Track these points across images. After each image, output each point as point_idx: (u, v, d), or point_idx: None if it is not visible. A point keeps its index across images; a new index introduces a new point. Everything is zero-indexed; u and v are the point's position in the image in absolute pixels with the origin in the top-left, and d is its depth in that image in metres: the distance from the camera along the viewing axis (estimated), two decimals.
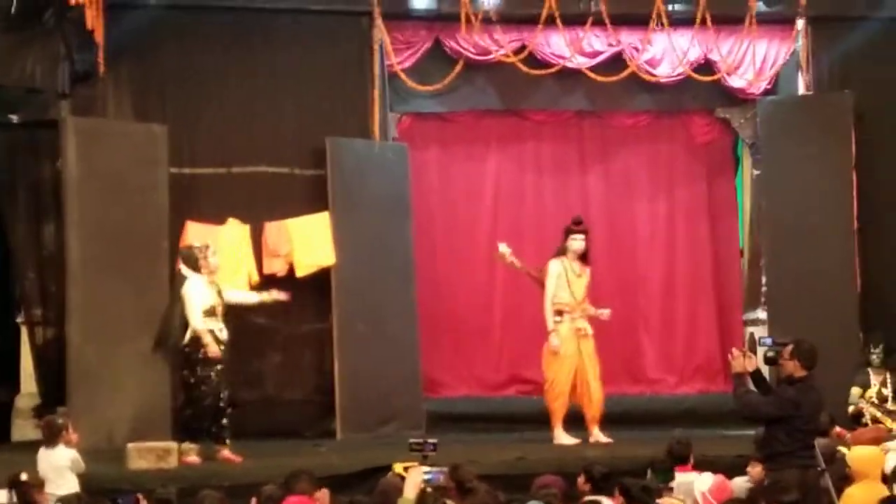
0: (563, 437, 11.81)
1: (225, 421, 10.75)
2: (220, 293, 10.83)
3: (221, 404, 10.70)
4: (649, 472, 8.71)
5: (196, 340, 10.58)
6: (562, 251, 11.96)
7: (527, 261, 12.31)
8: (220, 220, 12.53)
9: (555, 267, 11.88)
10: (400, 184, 13.25)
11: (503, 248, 12.15)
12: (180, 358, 10.77)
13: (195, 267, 10.76)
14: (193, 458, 10.53)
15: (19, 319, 12.74)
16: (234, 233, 12.53)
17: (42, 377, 12.38)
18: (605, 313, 11.97)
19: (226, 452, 10.74)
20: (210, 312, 10.65)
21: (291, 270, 12.56)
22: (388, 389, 12.68)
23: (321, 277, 12.65)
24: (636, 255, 14.60)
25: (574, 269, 11.90)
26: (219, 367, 10.62)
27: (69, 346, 11.62)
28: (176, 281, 10.91)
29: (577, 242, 11.93)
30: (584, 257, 12.01)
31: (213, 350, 10.53)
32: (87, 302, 11.66)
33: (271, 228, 12.64)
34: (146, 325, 11.58)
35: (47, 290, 12.35)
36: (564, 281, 11.84)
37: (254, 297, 11.36)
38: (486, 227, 14.52)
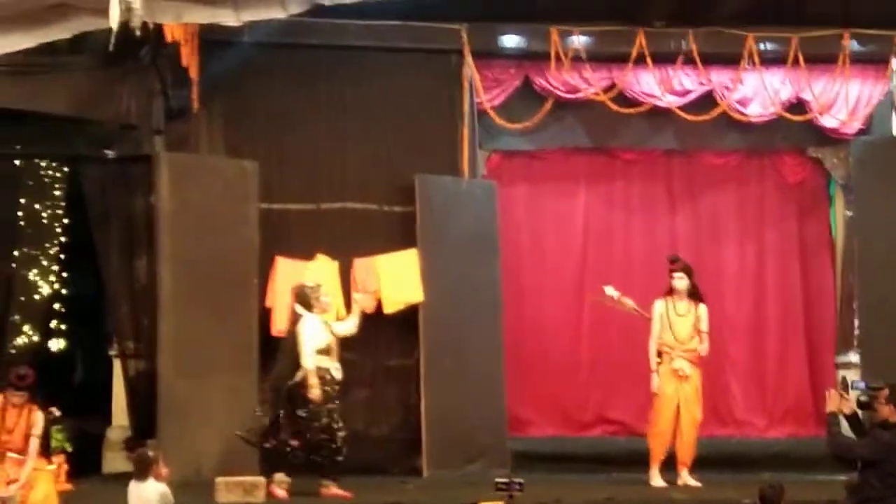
0: (655, 479, 11.70)
1: (340, 458, 10.78)
2: (332, 332, 10.88)
3: (338, 443, 10.72)
4: None
5: (304, 379, 10.61)
6: (668, 291, 11.88)
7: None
8: (308, 256, 12.62)
9: (658, 307, 11.83)
10: (488, 221, 13.25)
11: (610, 290, 12.06)
12: (289, 393, 10.72)
13: (308, 306, 10.84)
14: (282, 493, 10.57)
15: (112, 352, 12.89)
16: (323, 269, 12.60)
17: (133, 410, 12.49)
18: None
19: (334, 489, 10.76)
20: (325, 352, 10.73)
21: (379, 306, 12.58)
22: (474, 427, 12.65)
23: (408, 313, 12.68)
24: (724, 295, 14.36)
25: (677, 309, 11.80)
26: (330, 405, 10.66)
27: (160, 379, 11.75)
28: (291, 319, 10.98)
29: (674, 281, 11.85)
30: (694, 295, 11.90)
31: (315, 394, 10.56)
32: (177, 335, 11.79)
33: (360, 265, 12.70)
34: (235, 359, 11.76)
35: (139, 323, 12.46)
36: (666, 321, 11.77)
37: (353, 319, 11.21)
38: (574, 265, 14.48)
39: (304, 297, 10.91)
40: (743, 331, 14.55)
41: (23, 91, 11.89)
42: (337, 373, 10.77)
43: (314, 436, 10.62)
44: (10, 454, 10.23)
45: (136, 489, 9.12)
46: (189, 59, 12.15)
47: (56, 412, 11.41)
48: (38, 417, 10.38)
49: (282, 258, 12.57)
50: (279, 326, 12.40)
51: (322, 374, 10.65)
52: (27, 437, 10.31)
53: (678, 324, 11.78)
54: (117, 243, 12.69)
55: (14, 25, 9.18)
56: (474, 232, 13.08)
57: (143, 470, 9.12)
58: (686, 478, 11.73)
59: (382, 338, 12.78)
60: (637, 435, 13.63)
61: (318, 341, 10.69)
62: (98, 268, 12.84)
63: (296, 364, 10.66)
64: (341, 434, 10.75)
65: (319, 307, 10.89)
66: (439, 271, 12.73)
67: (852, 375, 12.87)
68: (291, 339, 10.82)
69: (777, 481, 9.29)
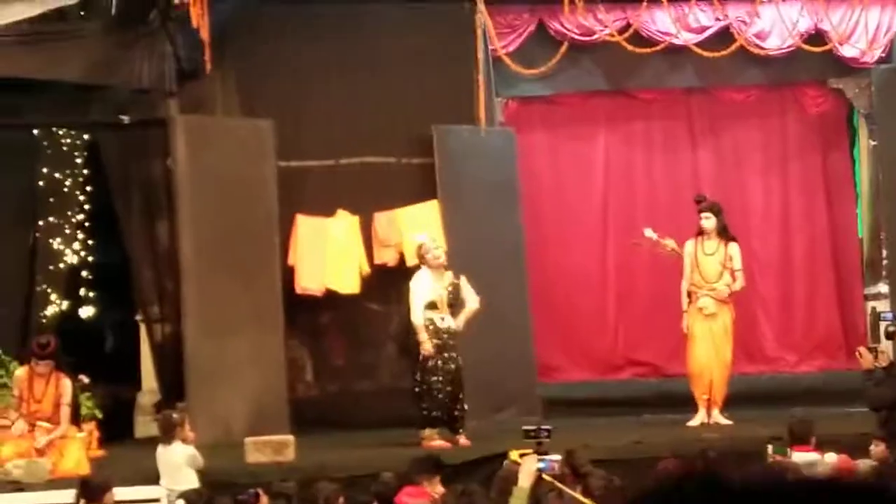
0: (694, 419, 11.70)
1: (457, 412, 10.83)
2: (453, 286, 10.86)
3: (459, 394, 10.80)
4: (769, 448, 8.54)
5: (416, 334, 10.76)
6: (697, 231, 11.81)
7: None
8: (329, 213, 12.61)
9: (688, 247, 11.82)
10: (508, 169, 13.18)
11: (650, 232, 12.00)
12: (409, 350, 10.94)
13: (423, 261, 10.94)
14: (439, 442, 10.65)
15: (138, 317, 12.93)
16: (344, 224, 12.59)
17: (161, 374, 12.56)
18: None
19: (462, 440, 10.81)
20: (432, 305, 10.77)
21: (402, 260, 12.56)
22: (503, 376, 12.61)
23: None
24: (750, 231, 14.17)
25: (705, 248, 11.74)
26: (446, 355, 10.73)
27: (186, 343, 11.77)
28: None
29: (702, 221, 11.78)
30: (724, 234, 11.80)
31: (426, 348, 10.68)
32: (201, 298, 11.80)
33: (381, 219, 12.66)
34: (260, 319, 11.77)
35: (163, 287, 12.50)
36: (695, 261, 11.70)
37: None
38: (597, 208, 14.40)
39: (419, 254, 11.05)
40: (770, 266, 14.44)
41: (35, 60, 11.89)
42: (443, 322, 10.78)
43: (441, 391, 10.72)
44: (39, 423, 10.30)
45: (163, 452, 9.20)
46: (199, 19, 12.03)
47: (85, 379, 11.49)
48: (67, 385, 10.45)
49: (302, 216, 12.55)
50: (302, 284, 12.44)
51: (427, 325, 10.72)
52: (57, 405, 10.39)
53: (705, 263, 11.73)
54: (138, 208, 12.71)
55: None
56: (494, 180, 13.00)
57: (168, 433, 9.18)
58: (716, 416, 11.69)
59: (407, 290, 12.73)
60: (667, 376, 13.65)
61: (427, 295, 10.76)
62: (121, 234, 12.86)
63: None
64: (448, 388, 10.76)
65: (429, 262, 10.89)
66: (461, 222, 12.66)
67: (882, 306, 12.81)
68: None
69: (806, 416, 9.30)
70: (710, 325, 11.67)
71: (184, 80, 12.54)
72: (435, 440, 10.71)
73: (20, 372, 10.55)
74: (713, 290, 11.68)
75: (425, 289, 10.83)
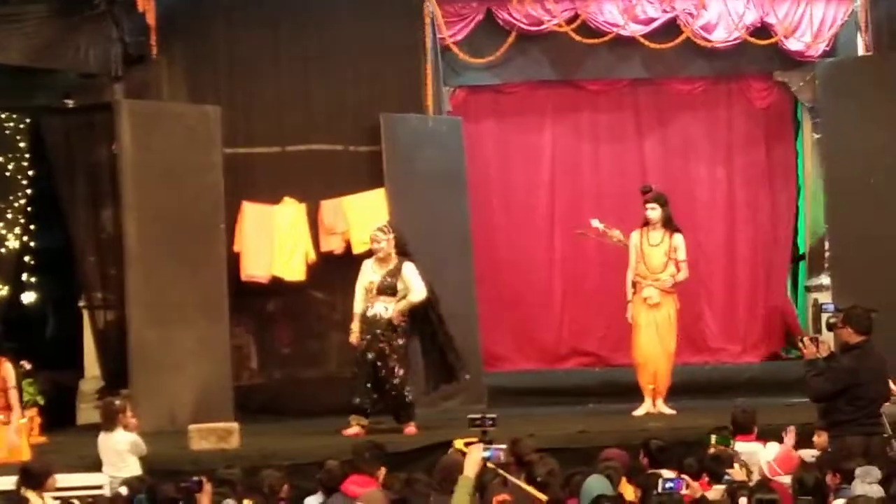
0: (640, 409, 11.74)
1: (397, 401, 10.78)
2: (390, 273, 10.75)
3: (387, 384, 10.68)
4: (712, 437, 8.59)
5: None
6: (643, 221, 11.85)
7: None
8: (276, 200, 12.57)
9: (633, 238, 11.85)
10: (455, 158, 13.17)
11: (596, 222, 12.05)
12: None
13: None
14: (353, 430, 10.61)
15: (81, 303, 12.82)
16: (291, 212, 12.56)
17: (104, 361, 12.47)
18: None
19: (408, 429, 10.75)
20: (365, 293, 10.75)
21: (348, 248, 12.54)
22: None
23: None
24: (695, 222, 14.24)
25: (650, 239, 11.77)
26: (367, 343, 10.65)
27: (130, 329, 11.68)
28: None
29: (647, 211, 11.81)
30: (669, 225, 11.84)
31: (352, 338, 10.74)
32: (146, 284, 11.72)
33: (327, 206, 12.64)
34: (205, 306, 11.72)
35: (107, 273, 12.42)
36: (639, 251, 11.75)
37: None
38: (543, 198, 14.43)
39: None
40: (714, 257, 14.55)
41: None
42: (370, 309, 10.72)
43: (357, 376, 10.69)
44: None
45: (105, 439, 9.13)
46: (145, 3, 11.96)
47: (27, 365, 11.38)
48: (9, 370, 10.35)
49: (248, 203, 12.50)
50: (248, 271, 12.40)
51: (362, 315, 10.70)
52: (2, 390, 10.28)
53: (650, 254, 11.77)
54: (82, 194, 12.62)
55: None
56: (441, 169, 12.99)
57: (109, 420, 9.12)
58: (661, 406, 11.76)
59: (352, 279, 12.69)
60: (612, 366, 13.72)
61: (362, 283, 10.76)
62: (65, 219, 12.74)
63: None
64: (391, 371, 10.67)
65: (374, 252, 10.84)
66: (408, 210, 12.62)
67: (823, 298, 12.93)
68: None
69: (749, 406, 9.38)
70: (655, 315, 11.72)
71: (130, 65, 12.47)
72: (350, 427, 10.66)
73: None
74: (657, 281, 11.74)
75: (362, 277, 10.84)
